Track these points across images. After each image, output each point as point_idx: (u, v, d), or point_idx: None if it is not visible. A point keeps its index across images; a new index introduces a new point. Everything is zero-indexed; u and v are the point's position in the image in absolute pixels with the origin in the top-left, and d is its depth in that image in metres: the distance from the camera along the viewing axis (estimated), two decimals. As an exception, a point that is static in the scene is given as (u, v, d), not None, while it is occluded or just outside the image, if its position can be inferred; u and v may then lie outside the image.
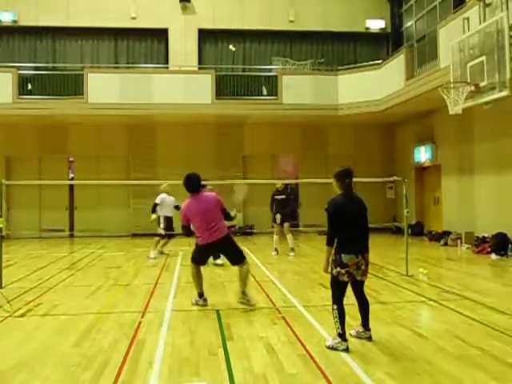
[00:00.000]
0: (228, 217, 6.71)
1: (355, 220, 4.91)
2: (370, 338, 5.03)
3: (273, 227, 12.19)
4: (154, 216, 11.97)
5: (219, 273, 9.53)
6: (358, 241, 4.90)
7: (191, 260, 6.79)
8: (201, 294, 6.72)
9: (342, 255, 4.80)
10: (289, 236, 11.89)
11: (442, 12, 15.03)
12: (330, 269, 4.93)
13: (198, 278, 6.72)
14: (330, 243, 4.87)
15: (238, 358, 4.59)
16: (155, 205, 11.93)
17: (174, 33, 18.18)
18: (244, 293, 6.57)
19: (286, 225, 11.78)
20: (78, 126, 17.53)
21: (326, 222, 4.91)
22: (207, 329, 5.59)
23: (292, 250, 11.93)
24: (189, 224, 6.52)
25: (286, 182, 12.88)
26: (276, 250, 12.06)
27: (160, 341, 5.14)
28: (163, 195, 11.96)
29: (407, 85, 14.11)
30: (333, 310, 4.83)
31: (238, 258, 6.64)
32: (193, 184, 6.48)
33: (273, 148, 18.39)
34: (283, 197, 11.78)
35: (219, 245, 6.52)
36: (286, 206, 11.86)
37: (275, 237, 12.03)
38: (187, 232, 6.58)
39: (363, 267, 4.89)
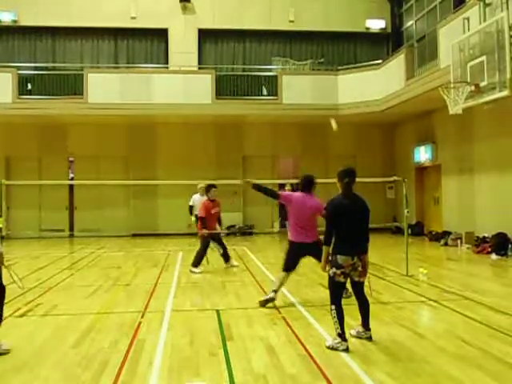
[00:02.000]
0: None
1: (353, 221, 4.90)
2: (370, 338, 5.02)
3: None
4: (192, 218, 11.84)
5: (219, 272, 9.53)
6: (355, 242, 4.89)
7: (283, 269, 6.74)
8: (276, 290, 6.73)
9: (338, 256, 4.81)
10: None
11: (442, 12, 15.03)
12: (327, 269, 4.94)
13: (282, 284, 6.75)
14: (327, 243, 4.89)
15: (237, 358, 4.59)
16: (190, 207, 11.94)
17: (173, 33, 18.17)
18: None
19: None
20: (78, 126, 17.53)
21: (325, 222, 4.93)
22: (207, 329, 5.58)
23: None
24: (286, 201, 6.80)
25: (292, 182, 13.29)
26: None
27: (160, 341, 5.14)
28: (195, 196, 11.90)
29: (407, 85, 14.11)
30: (331, 310, 4.84)
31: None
32: (307, 182, 6.86)
33: (273, 148, 18.38)
34: None
35: (311, 247, 6.62)
36: None
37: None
38: (272, 194, 6.88)
39: (360, 268, 4.89)
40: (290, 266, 6.74)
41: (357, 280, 4.96)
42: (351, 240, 4.87)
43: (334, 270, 4.83)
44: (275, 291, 6.70)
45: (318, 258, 6.67)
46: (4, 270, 4.98)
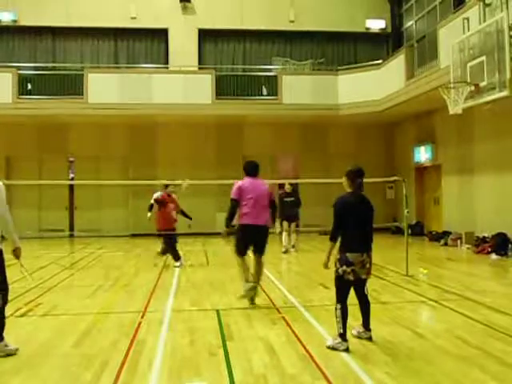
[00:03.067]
0: (273, 206, 6.91)
1: (361, 219, 4.94)
2: (370, 338, 5.02)
3: (281, 229, 12.76)
4: (149, 214, 12.02)
5: (219, 272, 9.52)
6: (363, 239, 4.93)
7: (235, 251, 6.81)
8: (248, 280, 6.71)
9: (348, 254, 4.80)
10: (294, 235, 12.81)
11: (442, 12, 15.03)
12: (329, 265, 4.94)
13: (243, 267, 6.74)
14: (333, 239, 4.88)
15: (237, 358, 4.58)
16: (151, 204, 12.06)
17: (174, 33, 18.17)
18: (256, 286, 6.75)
19: (293, 224, 12.72)
20: (78, 126, 17.52)
21: (332, 218, 4.91)
22: (207, 329, 5.58)
23: (293, 246, 12.77)
24: (239, 199, 6.63)
25: (292, 182, 13.18)
26: (286, 248, 12.58)
27: (160, 341, 5.14)
28: (158, 193, 12.08)
29: (407, 85, 14.11)
30: (336, 309, 4.82)
31: (263, 249, 6.76)
32: (252, 167, 6.91)
33: (273, 148, 18.38)
34: (292, 199, 12.63)
35: (258, 231, 6.64)
36: (295, 208, 12.75)
37: (285, 236, 12.59)
38: (234, 208, 6.68)
39: (368, 265, 4.92)
40: (241, 249, 6.75)
41: (363, 277, 4.93)
42: (359, 237, 4.89)
43: (344, 268, 4.80)
44: (247, 280, 6.68)
45: (259, 247, 6.72)
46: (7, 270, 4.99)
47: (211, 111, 16.35)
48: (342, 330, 4.75)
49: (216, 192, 16.66)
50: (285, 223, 12.54)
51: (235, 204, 6.66)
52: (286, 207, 12.50)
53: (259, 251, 6.74)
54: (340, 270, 4.83)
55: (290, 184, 12.80)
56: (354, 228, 4.87)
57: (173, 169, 17.28)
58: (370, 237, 5.01)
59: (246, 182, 6.79)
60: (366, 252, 4.90)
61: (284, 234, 12.59)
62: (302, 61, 18.41)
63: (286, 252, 12.33)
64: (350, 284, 4.89)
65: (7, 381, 4.14)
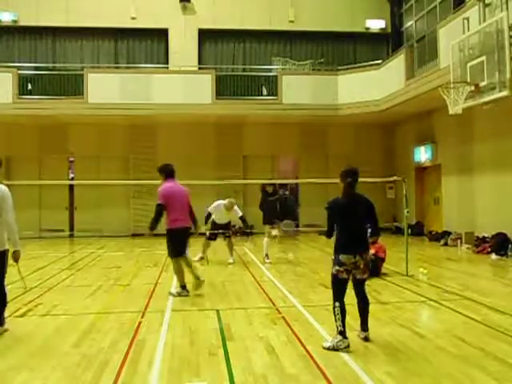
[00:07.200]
0: (191, 213, 7.40)
1: (354, 220, 4.95)
2: (366, 339, 5.01)
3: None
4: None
5: (219, 272, 9.53)
6: (356, 241, 4.94)
7: (172, 255, 7.23)
8: (184, 286, 7.27)
9: (341, 255, 4.88)
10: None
11: (441, 12, 15.03)
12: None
13: (180, 272, 7.25)
14: (328, 236, 5.11)
15: (237, 358, 4.59)
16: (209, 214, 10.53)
17: (174, 33, 18.17)
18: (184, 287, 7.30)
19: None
20: (78, 126, 17.52)
21: (326, 220, 5.02)
22: (207, 329, 5.59)
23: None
24: (166, 200, 7.04)
25: (292, 182, 12.66)
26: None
27: (160, 341, 5.14)
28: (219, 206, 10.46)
29: (407, 85, 14.10)
30: (334, 307, 4.85)
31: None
32: (172, 170, 7.56)
33: (273, 148, 18.38)
34: (273, 198, 10.58)
35: (187, 232, 7.19)
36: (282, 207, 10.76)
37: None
38: (159, 213, 7.06)
39: (362, 266, 4.94)
40: (181, 249, 7.17)
41: (359, 277, 4.98)
42: (352, 239, 4.92)
43: (336, 267, 4.89)
44: (183, 287, 7.28)
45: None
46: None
47: (211, 111, 16.34)
48: (341, 328, 4.77)
49: (216, 192, 16.65)
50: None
51: (160, 209, 7.05)
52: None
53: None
54: (334, 270, 4.92)
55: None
56: (347, 230, 4.93)
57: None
58: (365, 237, 5.05)
59: (169, 186, 7.17)
60: (360, 253, 4.90)
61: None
62: (302, 61, 18.41)
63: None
64: (346, 282, 4.95)
65: (7, 381, 4.14)
